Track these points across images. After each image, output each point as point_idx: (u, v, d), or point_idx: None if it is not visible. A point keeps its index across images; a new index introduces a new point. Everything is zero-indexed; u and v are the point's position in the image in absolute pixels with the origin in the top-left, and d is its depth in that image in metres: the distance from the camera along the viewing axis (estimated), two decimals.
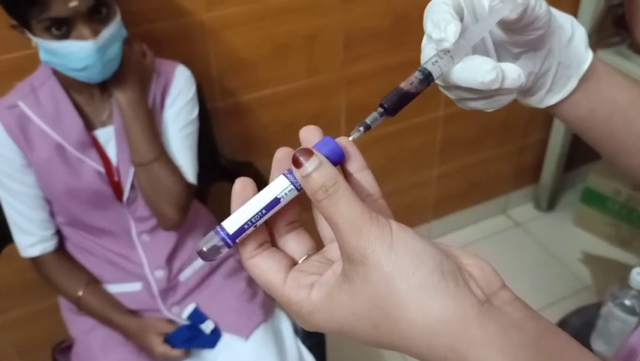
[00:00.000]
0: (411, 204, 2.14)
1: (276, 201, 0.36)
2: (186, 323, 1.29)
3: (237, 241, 0.37)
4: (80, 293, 1.26)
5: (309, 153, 0.35)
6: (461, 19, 0.44)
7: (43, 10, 0.99)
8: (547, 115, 2.15)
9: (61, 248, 1.29)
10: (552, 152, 2.22)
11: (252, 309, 1.32)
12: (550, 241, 2.25)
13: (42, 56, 1.08)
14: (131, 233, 1.27)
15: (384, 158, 1.96)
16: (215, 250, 0.37)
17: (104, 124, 1.21)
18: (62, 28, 1.02)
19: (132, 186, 1.22)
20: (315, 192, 0.35)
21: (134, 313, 1.29)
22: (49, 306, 1.48)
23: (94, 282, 1.29)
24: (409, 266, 0.32)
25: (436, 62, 0.42)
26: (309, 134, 0.39)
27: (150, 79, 1.22)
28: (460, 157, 2.13)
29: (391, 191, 2.04)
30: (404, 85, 0.41)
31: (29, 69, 1.19)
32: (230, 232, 0.36)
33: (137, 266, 1.28)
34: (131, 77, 1.16)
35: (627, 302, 1.22)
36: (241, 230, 0.36)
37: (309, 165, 0.35)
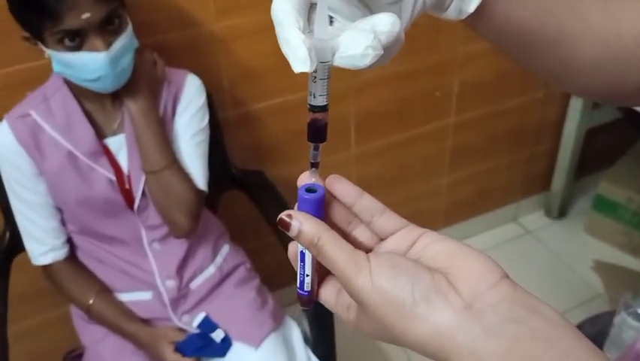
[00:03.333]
0: (421, 212, 2.14)
1: (302, 254, 0.44)
2: (197, 331, 1.30)
3: (306, 287, 0.45)
4: (91, 302, 1.27)
5: (290, 216, 0.42)
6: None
7: (56, 22, 1.00)
8: (558, 122, 2.15)
9: (72, 256, 1.30)
10: (563, 159, 2.21)
11: (262, 318, 1.32)
12: (561, 249, 2.24)
13: (55, 67, 1.09)
14: (142, 241, 1.27)
15: (395, 166, 1.96)
16: (304, 301, 0.46)
17: (115, 132, 1.21)
18: (75, 39, 1.03)
19: (143, 194, 1.22)
20: (307, 247, 0.41)
21: (144, 321, 1.30)
22: (60, 315, 1.49)
23: (105, 290, 1.29)
24: (387, 303, 0.38)
25: (314, 79, 0.40)
26: (303, 180, 0.44)
27: (161, 88, 1.23)
28: (471, 165, 2.13)
29: (402, 199, 2.04)
30: (311, 119, 0.42)
31: (41, 79, 1.21)
32: (301, 287, 0.46)
33: (148, 275, 1.29)
34: (143, 86, 1.17)
35: None
36: (302, 282, 0.45)
37: (294, 228, 0.41)
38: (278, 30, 0.38)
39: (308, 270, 0.44)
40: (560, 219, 2.37)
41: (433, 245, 0.41)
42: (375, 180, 1.94)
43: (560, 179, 2.26)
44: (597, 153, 2.34)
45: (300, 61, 0.36)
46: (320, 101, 0.40)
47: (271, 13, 0.39)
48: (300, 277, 0.45)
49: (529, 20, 0.48)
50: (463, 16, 0.46)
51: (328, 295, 0.46)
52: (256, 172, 1.56)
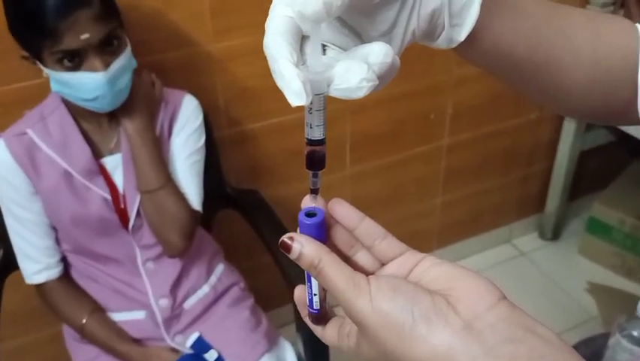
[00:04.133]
0: (415, 233, 2.14)
1: (309, 274, 0.44)
2: (190, 352, 1.29)
3: (315, 306, 0.46)
4: (84, 321, 1.26)
5: (291, 239, 0.42)
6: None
7: (56, 42, 1.01)
8: (551, 144, 2.17)
9: (66, 275, 1.29)
10: (556, 181, 2.22)
11: (256, 338, 1.31)
12: (555, 271, 2.24)
13: (53, 86, 1.10)
14: (136, 261, 1.27)
15: (389, 187, 1.97)
16: (316, 319, 0.47)
17: (111, 152, 1.22)
18: (74, 59, 1.04)
19: (138, 214, 1.22)
20: (308, 269, 0.42)
21: (137, 342, 1.29)
22: (53, 334, 1.47)
23: (98, 310, 1.28)
24: (387, 325, 0.38)
25: (310, 110, 0.40)
26: (306, 203, 0.45)
27: (158, 108, 1.23)
28: (464, 186, 2.14)
29: (396, 219, 2.04)
30: (309, 150, 0.42)
31: (39, 98, 1.21)
32: (311, 305, 0.46)
33: (142, 294, 1.28)
34: (140, 105, 1.17)
35: (635, 333, 1.21)
36: (311, 300, 0.46)
37: (294, 250, 0.42)
38: (271, 64, 0.38)
39: (315, 289, 0.45)
40: (554, 241, 2.38)
41: (433, 268, 0.42)
42: (370, 201, 1.95)
43: (553, 201, 2.27)
44: (590, 175, 2.35)
45: (295, 95, 0.36)
46: (317, 134, 0.41)
47: (264, 48, 0.39)
48: (308, 296, 0.46)
49: (518, 45, 0.49)
50: (454, 45, 0.46)
51: (330, 334, 0.46)
52: (251, 191, 1.56)
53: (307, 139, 0.41)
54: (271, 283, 1.46)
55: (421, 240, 2.18)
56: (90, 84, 1.05)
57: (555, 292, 2.16)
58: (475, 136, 2.02)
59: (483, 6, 0.45)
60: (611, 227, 2.18)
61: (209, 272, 1.36)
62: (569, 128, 2.09)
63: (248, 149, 1.65)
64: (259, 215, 1.48)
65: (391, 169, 1.92)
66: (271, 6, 0.40)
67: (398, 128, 1.85)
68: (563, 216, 2.36)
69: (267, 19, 0.39)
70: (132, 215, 1.22)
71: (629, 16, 1.84)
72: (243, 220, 1.52)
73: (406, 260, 0.44)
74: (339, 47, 0.42)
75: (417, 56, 1.69)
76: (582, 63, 0.52)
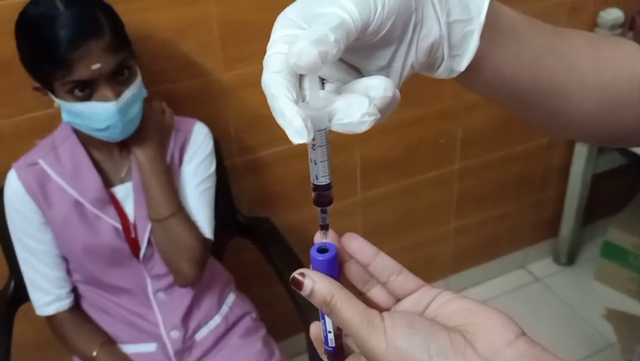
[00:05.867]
0: (428, 259, 2.12)
1: (322, 313, 0.43)
2: None
3: (330, 343, 0.45)
4: (95, 353, 1.24)
5: (303, 275, 0.41)
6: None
7: (67, 73, 1.02)
8: (564, 169, 2.15)
9: (76, 307, 1.28)
10: (570, 205, 2.20)
11: None
12: (571, 297, 2.20)
13: (64, 116, 1.10)
14: (147, 291, 1.26)
15: (400, 213, 1.95)
16: (331, 357, 0.46)
17: (122, 181, 1.22)
18: (85, 90, 1.05)
19: (149, 243, 1.22)
20: (320, 306, 0.41)
21: None
22: None
23: (109, 342, 1.27)
24: None
25: (313, 146, 0.40)
26: (317, 239, 0.44)
27: (169, 136, 1.24)
28: (477, 211, 2.12)
29: (408, 246, 2.02)
30: (315, 193, 0.41)
31: (50, 128, 1.22)
32: (326, 343, 0.45)
33: (153, 326, 1.27)
34: (150, 134, 1.18)
35: None
36: (326, 337, 0.45)
37: (306, 287, 0.41)
38: (271, 102, 0.37)
39: (329, 326, 0.44)
40: (569, 266, 2.34)
41: (449, 304, 0.41)
42: (382, 227, 1.93)
43: (567, 225, 2.25)
44: (604, 199, 2.33)
45: (297, 132, 0.36)
46: (323, 179, 0.40)
47: (262, 86, 0.38)
48: (323, 333, 0.44)
49: (520, 74, 0.49)
50: (454, 75, 0.46)
51: None
52: (262, 219, 1.55)
53: (313, 185, 0.41)
54: (283, 312, 1.45)
55: (434, 266, 2.15)
56: (101, 114, 1.06)
57: (571, 318, 2.11)
58: (486, 161, 2.01)
59: (483, 36, 0.44)
60: (627, 251, 2.14)
61: (220, 302, 1.35)
62: (580, 152, 2.08)
63: (259, 176, 1.65)
64: (271, 243, 1.47)
65: (403, 195, 1.91)
66: (268, 44, 0.39)
67: (409, 153, 1.85)
68: (578, 240, 2.33)
69: (265, 56, 0.39)
70: (143, 244, 1.21)
71: (638, 38, 1.84)
72: (254, 248, 1.51)
73: (422, 296, 0.43)
74: (338, 81, 0.42)
75: (427, 82, 1.68)
76: (587, 90, 0.51)
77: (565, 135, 0.59)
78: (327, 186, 0.41)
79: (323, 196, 0.41)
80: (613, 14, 1.84)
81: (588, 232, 2.38)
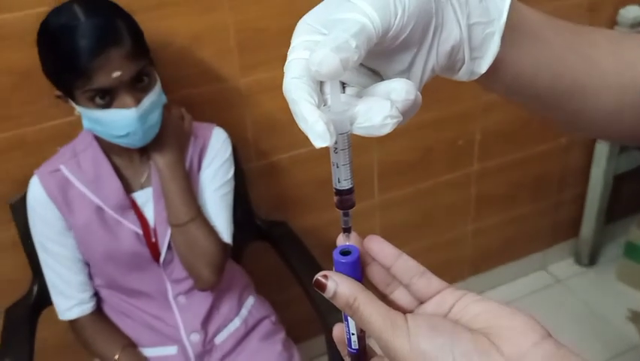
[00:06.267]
0: (447, 261, 2.11)
1: (345, 315, 0.43)
2: None
3: (353, 345, 0.45)
4: (117, 357, 1.25)
5: (325, 277, 0.41)
6: None
7: (88, 81, 1.03)
8: (584, 169, 2.13)
9: (98, 311, 1.30)
10: (591, 205, 2.17)
11: None
12: (593, 298, 2.17)
13: (85, 123, 1.12)
14: (167, 295, 1.27)
15: (419, 215, 1.95)
16: (355, 359, 0.46)
17: (142, 186, 1.23)
18: (105, 97, 1.06)
19: (169, 248, 1.23)
20: (343, 308, 0.41)
21: None
22: None
23: (130, 345, 1.28)
24: None
25: (335, 150, 0.40)
26: (340, 242, 0.44)
27: (188, 142, 1.25)
28: (496, 213, 2.10)
29: (427, 248, 2.01)
30: (337, 198, 0.42)
31: (71, 135, 1.24)
32: (349, 345, 0.45)
33: (173, 329, 1.28)
34: (170, 140, 1.19)
35: None
36: (349, 340, 0.45)
37: (329, 289, 0.40)
38: (292, 107, 0.37)
39: (352, 329, 0.44)
40: (591, 267, 2.31)
41: (473, 306, 0.40)
42: (400, 229, 1.93)
43: (589, 225, 2.22)
44: (626, 198, 2.30)
45: (319, 136, 0.36)
46: (345, 183, 0.41)
47: (284, 92, 0.38)
48: (347, 335, 0.45)
49: (541, 75, 0.48)
50: (475, 77, 0.46)
51: None
52: (280, 223, 1.56)
53: (335, 189, 0.41)
54: (302, 315, 1.45)
55: (453, 268, 2.14)
56: (122, 121, 1.07)
57: (594, 320, 2.09)
58: (504, 162, 1.99)
59: (503, 38, 0.44)
60: None
61: (240, 305, 1.36)
62: (601, 152, 2.05)
63: (276, 180, 1.66)
64: (289, 247, 1.48)
65: (421, 197, 1.91)
66: (289, 49, 0.40)
67: (426, 155, 1.84)
68: (599, 240, 2.30)
69: (286, 62, 0.39)
70: (163, 249, 1.23)
71: None
72: (272, 252, 1.52)
73: (445, 298, 0.42)
74: (358, 85, 0.42)
75: (444, 83, 1.67)
76: (608, 89, 0.51)
77: (587, 134, 0.59)
78: (350, 190, 0.41)
79: (345, 200, 0.41)
80: (633, 12, 1.81)
81: (609, 232, 2.35)
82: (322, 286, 0.41)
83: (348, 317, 0.43)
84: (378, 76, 0.42)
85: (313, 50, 0.36)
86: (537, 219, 2.21)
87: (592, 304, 2.15)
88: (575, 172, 2.16)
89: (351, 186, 0.41)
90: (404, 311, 0.41)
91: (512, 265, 2.25)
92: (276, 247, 1.52)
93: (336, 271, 0.42)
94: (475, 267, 2.18)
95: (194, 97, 1.44)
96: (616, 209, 2.28)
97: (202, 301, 1.29)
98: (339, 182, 0.41)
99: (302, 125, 0.37)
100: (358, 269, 0.43)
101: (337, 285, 0.40)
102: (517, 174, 2.04)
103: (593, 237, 2.24)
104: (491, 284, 2.22)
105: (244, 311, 1.36)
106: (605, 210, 2.19)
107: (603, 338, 2.01)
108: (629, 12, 1.82)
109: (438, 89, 1.67)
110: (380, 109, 0.37)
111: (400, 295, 0.44)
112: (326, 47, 0.35)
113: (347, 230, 0.43)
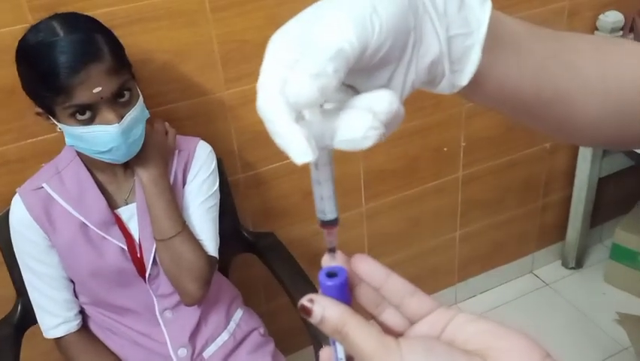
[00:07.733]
0: (435, 268, 2.11)
1: (333, 340, 0.41)
2: None
3: None
4: None
5: (312, 301, 0.38)
6: None
7: (68, 98, 1.02)
8: (568, 172, 2.15)
9: (84, 328, 1.28)
10: (576, 209, 2.19)
11: None
12: (581, 300, 2.19)
13: (67, 140, 1.11)
14: (154, 310, 1.26)
15: (406, 222, 1.95)
16: None
17: (126, 202, 1.22)
18: (86, 113, 1.05)
19: (154, 263, 1.22)
20: (332, 334, 0.38)
21: None
22: None
23: None
24: None
25: (316, 166, 0.38)
26: (326, 263, 0.42)
27: (172, 156, 1.24)
28: (482, 218, 2.11)
29: (415, 255, 2.02)
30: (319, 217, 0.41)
31: (55, 151, 1.23)
32: None
33: (161, 345, 1.27)
34: (154, 155, 1.18)
35: None
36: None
37: (316, 314, 0.38)
38: (269, 126, 0.36)
39: (341, 353, 0.42)
40: (578, 270, 2.33)
41: (467, 326, 0.38)
42: (387, 237, 1.93)
43: (574, 228, 2.24)
44: (610, 201, 2.32)
45: (300, 152, 0.34)
46: (330, 213, 0.39)
47: (258, 110, 0.36)
48: (335, 360, 0.43)
49: (524, 85, 0.47)
50: (456, 90, 0.45)
51: None
52: (267, 234, 1.55)
53: (321, 221, 0.39)
54: (291, 325, 1.44)
55: (442, 274, 2.15)
56: (104, 137, 1.06)
57: (583, 323, 2.10)
58: (490, 167, 2.01)
59: (484, 49, 0.43)
60: (635, 253, 2.13)
61: (228, 318, 1.35)
62: (585, 155, 2.07)
63: (262, 191, 1.65)
64: (276, 258, 1.47)
65: (407, 204, 1.91)
66: (261, 68, 0.38)
67: (412, 163, 1.85)
68: (585, 243, 2.32)
69: (259, 80, 0.37)
70: (149, 264, 1.22)
71: (639, 39, 1.84)
72: (260, 264, 1.51)
73: (438, 318, 0.40)
74: (336, 102, 0.40)
75: (426, 91, 1.69)
76: (592, 95, 0.50)
77: (572, 141, 0.58)
78: (335, 221, 0.39)
79: (330, 228, 0.40)
80: (612, 17, 1.84)
81: (595, 235, 2.37)
82: (308, 312, 0.38)
83: (337, 343, 0.41)
84: (356, 92, 0.41)
85: (288, 80, 0.34)
86: (524, 223, 2.22)
87: (580, 307, 2.16)
88: (560, 175, 2.18)
89: (336, 216, 0.39)
90: (395, 333, 0.40)
91: (500, 269, 2.26)
92: (263, 259, 1.51)
93: (322, 294, 0.40)
94: (463, 273, 2.19)
95: (179, 111, 1.43)
96: (601, 212, 2.30)
97: (189, 315, 1.28)
98: (321, 199, 0.39)
99: (280, 142, 0.35)
100: (346, 291, 0.40)
101: (324, 309, 0.38)
102: (502, 178, 2.06)
103: (579, 240, 2.26)
104: (479, 289, 2.23)
105: (232, 324, 1.35)
106: (590, 213, 2.21)
107: (592, 340, 2.02)
108: (609, 17, 1.84)
109: (420, 98, 1.69)
110: (361, 121, 0.36)
111: (390, 316, 0.42)
112: (303, 74, 0.33)
113: (332, 250, 0.41)
